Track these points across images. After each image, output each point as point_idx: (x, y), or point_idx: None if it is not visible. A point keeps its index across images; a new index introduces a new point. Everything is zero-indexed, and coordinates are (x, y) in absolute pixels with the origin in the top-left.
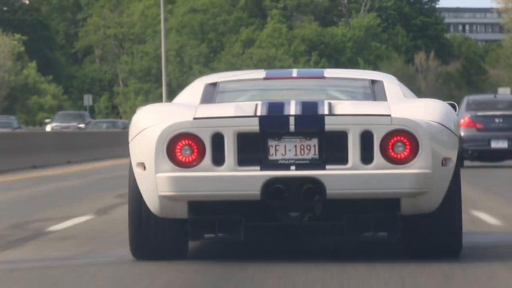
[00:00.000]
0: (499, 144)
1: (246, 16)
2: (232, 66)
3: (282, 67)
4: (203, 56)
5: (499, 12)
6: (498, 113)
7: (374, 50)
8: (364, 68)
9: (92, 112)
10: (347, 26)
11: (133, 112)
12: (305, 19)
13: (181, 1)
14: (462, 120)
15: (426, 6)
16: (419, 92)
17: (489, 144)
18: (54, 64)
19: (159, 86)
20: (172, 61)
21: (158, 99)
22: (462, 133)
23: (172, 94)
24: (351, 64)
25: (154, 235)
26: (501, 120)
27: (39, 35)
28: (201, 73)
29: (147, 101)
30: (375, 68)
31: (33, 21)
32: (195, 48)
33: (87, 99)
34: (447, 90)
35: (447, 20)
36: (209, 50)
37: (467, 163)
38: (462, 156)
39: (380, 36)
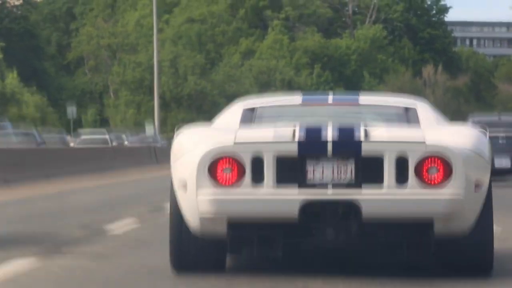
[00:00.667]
0: (502, 164)
1: (246, 27)
2: (231, 78)
3: (283, 80)
4: (199, 66)
5: (508, 25)
6: (501, 134)
7: (380, 63)
8: (369, 82)
9: (79, 125)
10: (351, 37)
11: (123, 125)
12: (307, 30)
13: (178, 11)
14: None
15: (434, 19)
16: None
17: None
18: (41, 75)
19: (152, 99)
20: (166, 72)
21: (151, 112)
22: None
23: (165, 107)
24: (356, 77)
25: (195, 251)
26: (505, 142)
27: (26, 44)
28: (197, 85)
29: (139, 114)
30: (381, 81)
31: (21, 30)
32: (190, 59)
33: (71, 111)
34: (455, 105)
35: (454, 34)
36: (206, 61)
37: None
38: None
39: (386, 49)
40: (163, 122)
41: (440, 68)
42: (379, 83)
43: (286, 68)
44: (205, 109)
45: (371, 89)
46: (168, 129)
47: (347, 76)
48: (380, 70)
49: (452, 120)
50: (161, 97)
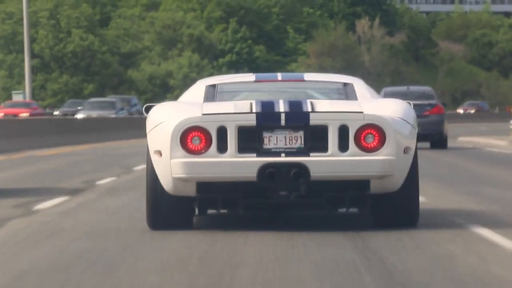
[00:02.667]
0: None
1: None
2: (126, 33)
3: (191, 35)
4: (85, 18)
5: None
6: (410, 102)
7: (306, 17)
8: (294, 38)
9: None
10: None
11: None
12: None
13: None
14: None
15: None
16: (363, 67)
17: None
18: None
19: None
20: (44, 24)
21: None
22: None
23: (44, 68)
24: (278, 33)
25: (167, 210)
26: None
27: None
28: (83, 41)
29: (11, 77)
30: (308, 37)
31: None
32: (75, 9)
33: None
34: (394, 65)
35: None
36: (102, 15)
37: None
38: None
39: (312, 1)
40: (42, 87)
41: (376, 21)
42: (306, 39)
43: (196, 21)
44: (93, 70)
45: (297, 46)
46: (49, 95)
47: (268, 33)
48: (306, 25)
49: (394, 82)
50: (39, 56)
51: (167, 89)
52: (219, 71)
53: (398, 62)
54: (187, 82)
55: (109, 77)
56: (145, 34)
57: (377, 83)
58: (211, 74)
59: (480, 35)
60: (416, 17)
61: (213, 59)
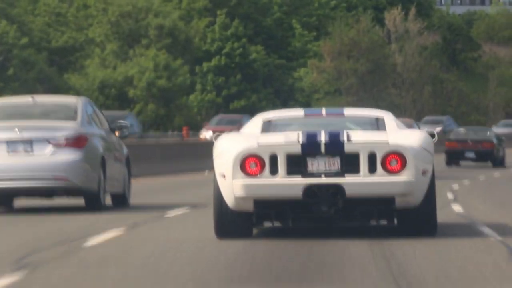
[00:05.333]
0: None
1: None
2: (59, 23)
3: (160, 27)
4: None
5: None
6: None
7: (317, 9)
8: (302, 35)
9: None
10: None
11: None
12: None
13: None
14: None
15: None
16: (394, 72)
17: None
18: None
19: None
20: None
21: None
22: None
23: None
24: (282, 29)
25: (231, 222)
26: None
27: None
28: None
29: None
30: (321, 34)
31: None
32: None
33: None
34: (432, 71)
35: None
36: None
37: None
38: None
39: None
40: None
41: (412, 11)
42: (318, 37)
43: (166, 8)
44: (7, 75)
45: (305, 46)
46: None
47: (268, 29)
48: (317, 18)
49: (435, 93)
50: None
51: (125, 102)
52: (203, 78)
53: (436, 68)
54: (154, 93)
55: (32, 83)
56: (94, 24)
57: (414, 93)
58: (191, 81)
59: None
60: (451, 16)
61: (194, 62)
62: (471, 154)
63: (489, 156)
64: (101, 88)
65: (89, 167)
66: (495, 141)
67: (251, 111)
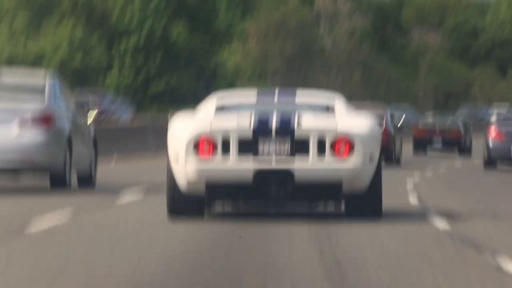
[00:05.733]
0: None
1: None
2: None
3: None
4: None
5: None
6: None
7: None
8: (227, 14)
9: None
10: None
11: None
12: None
13: None
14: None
15: None
16: (322, 55)
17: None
18: None
19: None
20: None
21: None
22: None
23: None
24: (205, 8)
25: (183, 203)
26: None
27: None
28: None
29: None
30: (247, 13)
31: None
32: None
33: None
34: (361, 55)
35: None
36: None
37: None
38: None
39: None
40: None
41: None
42: (244, 17)
43: None
44: None
45: (230, 26)
46: None
47: (191, 7)
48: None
49: (365, 79)
50: None
51: None
52: (121, 59)
53: (366, 52)
54: (68, 74)
55: None
56: None
57: (342, 78)
58: (108, 60)
59: (461, 21)
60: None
61: (112, 40)
62: (438, 143)
63: (456, 144)
64: (9, 65)
65: (55, 147)
66: (462, 130)
67: (171, 96)
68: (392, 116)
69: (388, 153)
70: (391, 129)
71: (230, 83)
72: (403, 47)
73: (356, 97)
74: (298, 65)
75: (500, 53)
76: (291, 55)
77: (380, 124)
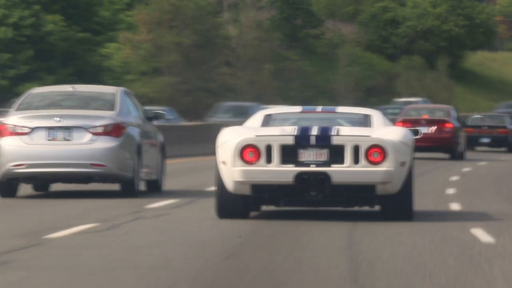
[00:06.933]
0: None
1: None
2: None
3: None
4: None
5: None
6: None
7: None
8: (111, 3)
9: None
10: None
11: None
12: None
13: None
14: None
15: None
16: (227, 47)
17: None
18: None
19: None
20: None
21: None
22: None
23: None
24: None
25: (230, 205)
26: None
27: None
28: None
29: None
30: (133, 2)
31: None
32: None
33: None
34: (272, 46)
35: None
36: None
37: None
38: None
39: None
40: None
41: None
42: (131, 5)
43: None
44: None
45: (116, 16)
46: None
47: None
48: None
49: (278, 73)
50: None
51: None
52: None
53: (277, 43)
54: None
55: None
56: None
57: (251, 72)
58: None
59: (379, 10)
60: None
61: None
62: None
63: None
64: None
65: (126, 155)
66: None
67: None
68: (456, 113)
69: (452, 149)
70: (456, 125)
71: (118, 82)
72: (316, 40)
73: (267, 96)
74: (198, 58)
75: (424, 44)
76: (189, 46)
77: (445, 120)
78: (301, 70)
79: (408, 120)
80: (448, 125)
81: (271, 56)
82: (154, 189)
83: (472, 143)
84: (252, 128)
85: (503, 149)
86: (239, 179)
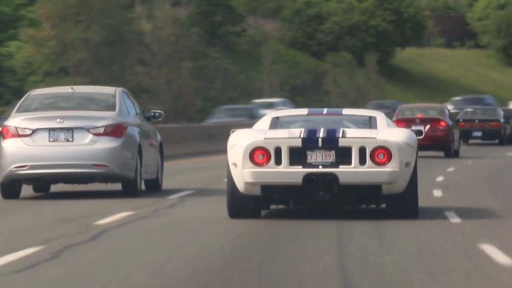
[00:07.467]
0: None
1: None
2: None
3: None
4: None
5: None
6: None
7: None
8: None
9: None
10: None
11: None
12: None
13: None
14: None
15: None
16: (141, 43)
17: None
18: None
19: None
20: None
21: None
22: None
23: None
24: None
25: (241, 205)
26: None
27: None
28: None
29: None
30: None
31: None
32: None
33: None
34: (191, 42)
35: None
36: None
37: None
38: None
39: None
40: None
41: None
42: (34, 0)
43: None
44: None
45: (17, 12)
46: None
47: None
48: None
49: (197, 72)
50: None
51: None
52: None
53: (196, 39)
54: None
55: None
56: None
57: (168, 71)
58: None
59: (302, 5)
60: None
61: None
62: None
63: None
64: None
65: (127, 155)
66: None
67: None
68: (449, 111)
69: (446, 147)
70: (450, 123)
71: (20, 84)
72: (238, 37)
73: (185, 97)
74: (109, 56)
75: (350, 40)
76: (98, 43)
77: (439, 118)
78: (223, 68)
79: (402, 119)
80: (442, 124)
81: (189, 53)
82: (154, 188)
83: (465, 137)
84: (260, 131)
85: (495, 141)
86: (250, 180)
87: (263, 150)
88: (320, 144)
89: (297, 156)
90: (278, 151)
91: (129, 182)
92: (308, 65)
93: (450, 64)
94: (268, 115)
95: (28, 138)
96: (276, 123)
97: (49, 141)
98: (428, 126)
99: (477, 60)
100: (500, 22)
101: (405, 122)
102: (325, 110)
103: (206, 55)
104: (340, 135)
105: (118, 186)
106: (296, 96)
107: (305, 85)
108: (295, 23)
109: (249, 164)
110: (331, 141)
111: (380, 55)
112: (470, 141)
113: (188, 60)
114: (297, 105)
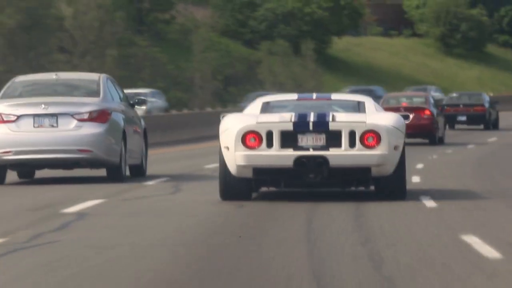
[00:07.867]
0: None
1: None
2: None
3: None
4: None
5: None
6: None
7: None
8: None
9: None
10: None
11: None
12: None
13: None
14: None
15: None
16: (61, 29)
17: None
18: None
19: None
20: None
21: None
22: None
23: None
24: None
25: (233, 187)
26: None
27: None
28: None
29: None
30: None
31: None
32: None
33: None
34: (117, 29)
35: None
36: None
37: None
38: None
39: None
40: None
41: None
42: None
43: None
44: None
45: None
46: None
47: None
48: None
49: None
50: None
51: None
52: None
53: (122, 25)
54: None
55: None
56: None
57: (92, 60)
58: None
59: None
60: None
61: None
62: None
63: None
64: None
65: (112, 140)
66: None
67: None
68: (433, 99)
69: (431, 134)
70: (434, 111)
71: None
72: (167, 25)
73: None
74: (25, 42)
75: (285, 29)
76: (14, 28)
77: (423, 107)
78: (151, 57)
79: (388, 108)
80: (427, 112)
81: (114, 40)
82: (138, 174)
83: (450, 121)
84: (252, 115)
85: (480, 126)
86: (242, 163)
87: (255, 133)
88: (311, 127)
89: (288, 139)
90: (269, 134)
91: (113, 167)
92: (242, 54)
93: (388, 53)
94: (259, 100)
95: (12, 124)
96: (266, 108)
97: (34, 127)
98: (412, 115)
99: (415, 49)
100: (439, 10)
101: (390, 111)
102: (314, 95)
103: (134, 42)
104: (330, 119)
105: (103, 172)
106: (229, 86)
107: (239, 74)
108: (227, 10)
109: (241, 147)
110: (321, 124)
111: (316, 44)
112: (456, 126)
113: (113, 47)
114: (230, 96)
